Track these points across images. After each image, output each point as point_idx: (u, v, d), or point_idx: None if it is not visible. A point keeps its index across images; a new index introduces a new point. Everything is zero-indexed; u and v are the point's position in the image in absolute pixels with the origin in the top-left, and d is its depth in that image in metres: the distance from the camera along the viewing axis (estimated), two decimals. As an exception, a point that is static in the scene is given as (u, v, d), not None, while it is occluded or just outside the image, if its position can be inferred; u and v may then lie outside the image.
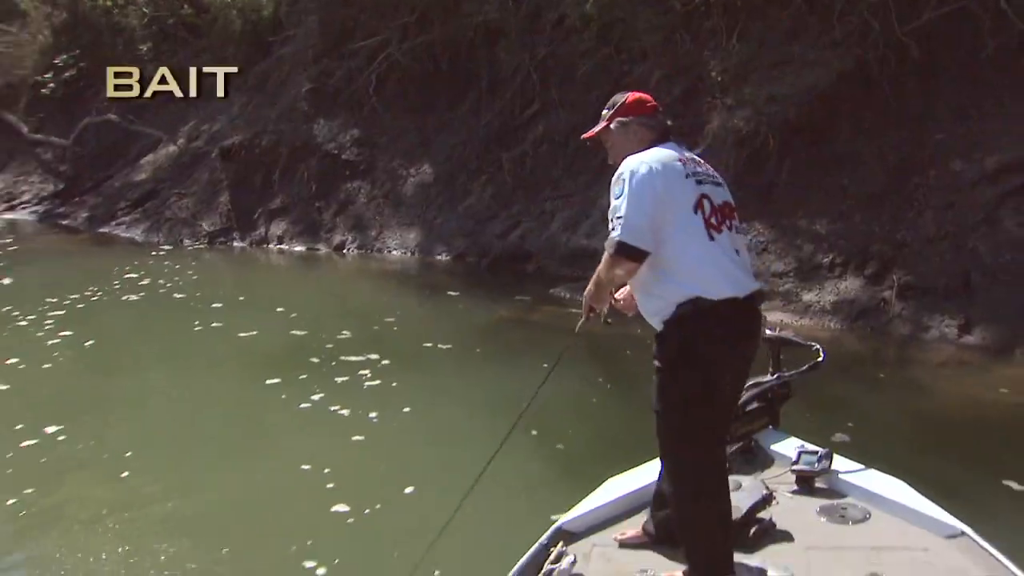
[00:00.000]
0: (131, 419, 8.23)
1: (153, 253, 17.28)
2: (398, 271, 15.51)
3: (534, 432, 7.45)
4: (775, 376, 4.71)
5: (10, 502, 6.27)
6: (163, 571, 5.26)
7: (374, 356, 9.67)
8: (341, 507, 6.01)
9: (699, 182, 3.59)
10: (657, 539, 3.88)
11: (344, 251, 16.80)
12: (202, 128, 20.51)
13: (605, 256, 3.55)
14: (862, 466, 4.35)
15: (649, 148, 3.65)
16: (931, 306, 10.28)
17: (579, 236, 14.02)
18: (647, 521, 3.95)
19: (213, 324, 11.35)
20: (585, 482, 6.39)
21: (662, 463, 3.75)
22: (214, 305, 12.52)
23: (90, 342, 10.66)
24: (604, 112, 3.88)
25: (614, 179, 3.57)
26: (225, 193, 18.77)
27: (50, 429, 7.55)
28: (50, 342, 10.40)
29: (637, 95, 3.85)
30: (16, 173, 22.93)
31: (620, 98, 3.86)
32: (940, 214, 10.93)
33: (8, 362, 9.52)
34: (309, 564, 5.30)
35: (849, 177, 11.84)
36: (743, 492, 3.99)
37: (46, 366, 9.52)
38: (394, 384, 8.89)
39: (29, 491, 6.42)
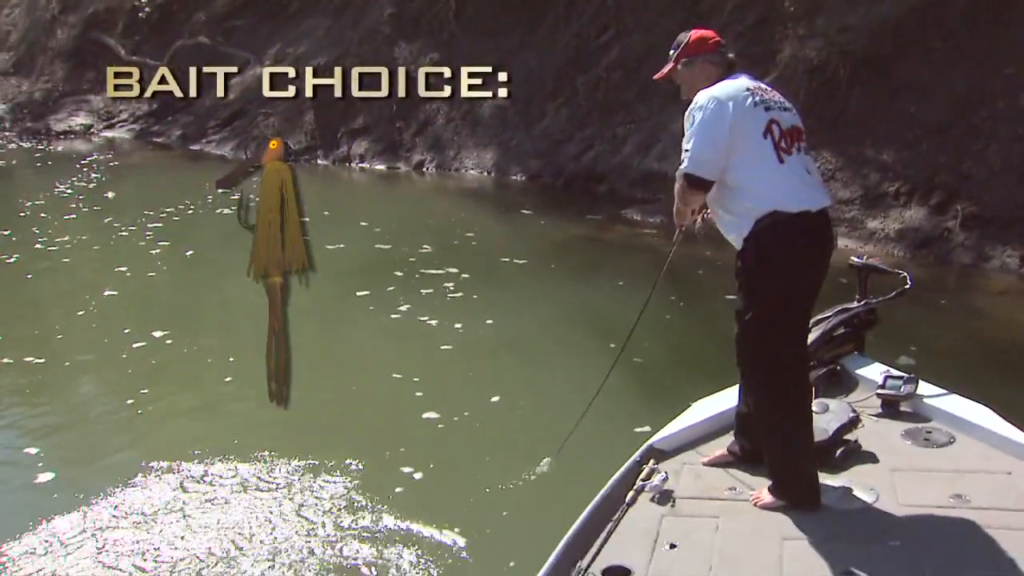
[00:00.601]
0: (229, 326, 8.35)
1: (244, 169, 17.38)
2: (475, 189, 15.50)
3: (612, 345, 7.45)
4: (862, 302, 4.64)
5: (129, 401, 6.44)
6: (266, 474, 5.32)
7: (454, 270, 9.73)
8: (431, 414, 6.05)
9: (767, 108, 3.60)
10: (742, 459, 3.87)
11: (423, 170, 16.79)
12: (288, 51, 20.43)
13: (676, 184, 3.67)
14: (946, 391, 4.27)
15: (717, 82, 3.67)
16: (994, 236, 10.12)
17: (650, 160, 13.88)
18: (732, 443, 3.94)
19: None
20: (662, 394, 6.48)
21: (743, 380, 3.76)
22: (302, 220, 12.54)
23: (189, 252, 10.81)
24: (671, 53, 3.90)
25: (687, 113, 3.65)
26: (310, 113, 18.76)
27: (157, 333, 7.71)
28: (152, 251, 10.58)
29: (699, 34, 3.86)
30: (114, 93, 23.10)
31: (683, 38, 3.87)
32: (1006, 146, 10.66)
33: (117, 270, 9.68)
34: (405, 470, 5.34)
35: (916, 108, 11.56)
36: (830, 414, 3.93)
37: (150, 274, 9.68)
38: (475, 297, 8.95)
39: (144, 391, 6.57)
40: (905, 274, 4.69)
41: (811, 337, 4.12)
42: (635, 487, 3.71)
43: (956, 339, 8.06)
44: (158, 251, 10.63)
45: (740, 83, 3.65)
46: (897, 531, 3.34)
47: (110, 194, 14.66)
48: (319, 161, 17.97)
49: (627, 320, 8.07)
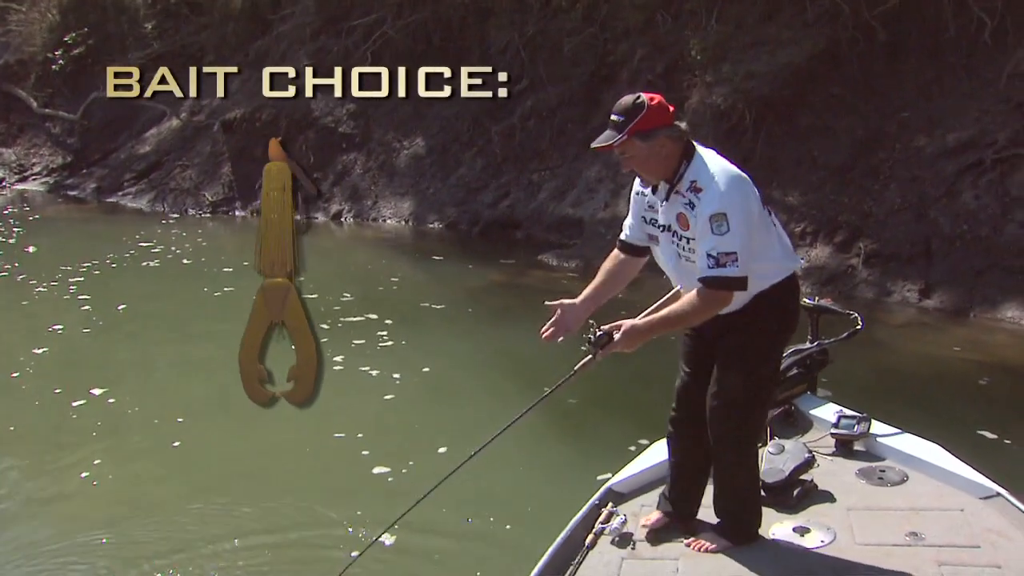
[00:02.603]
0: (171, 383, 8.02)
1: (162, 222, 17.14)
2: (393, 238, 15.44)
3: (546, 388, 7.42)
4: (814, 343, 4.67)
5: (83, 474, 5.98)
6: (217, 545, 5.03)
7: (378, 318, 9.71)
8: (381, 469, 5.87)
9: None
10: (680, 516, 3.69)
11: (341, 220, 16.68)
12: (204, 103, 20.14)
13: (710, 295, 3.21)
14: (899, 430, 4.29)
15: (687, 162, 3.28)
16: (894, 272, 10.44)
17: (564, 206, 14.01)
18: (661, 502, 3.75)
19: (226, 288, 11.09)
20: (601, 433, 6.44)
21: (721, 427, 3.46)
22: (225, 270, 12.42)
23: (122, 306, 10.50)
24: (616, 119, 3.26)
25: (709, 213, 3.17)
26: (227, 164, 18.54)
27: (96, 391, 7.38)
28: (84, 308, 10.28)
29: (658, 100, 3.27)
30: (27, 146, 22.54)
31: (640, 104, 3.24)
32: (904, 186, 10.98)
33: (49, 329, 9.32)
34: (363, 532, 5.08)
35: (820, 151, 11.87)
36: (786, 455, 3.92)
37: (85, 330, 9.37)
38: (404, 342, 8.88)
39: (98, 462, 6.15)
40: (856, 315, 4.73)
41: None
42: (594, 530, 3.68)
43: (864, 370, 8.17)
44: (88, 307, 10.30)
45: (718, 158, 3.34)
46: (854, 570, 3.34)
47: (31, 248, 14.26)
48: (237, 212, 17.79)
49: (546, 363, 8.08)
